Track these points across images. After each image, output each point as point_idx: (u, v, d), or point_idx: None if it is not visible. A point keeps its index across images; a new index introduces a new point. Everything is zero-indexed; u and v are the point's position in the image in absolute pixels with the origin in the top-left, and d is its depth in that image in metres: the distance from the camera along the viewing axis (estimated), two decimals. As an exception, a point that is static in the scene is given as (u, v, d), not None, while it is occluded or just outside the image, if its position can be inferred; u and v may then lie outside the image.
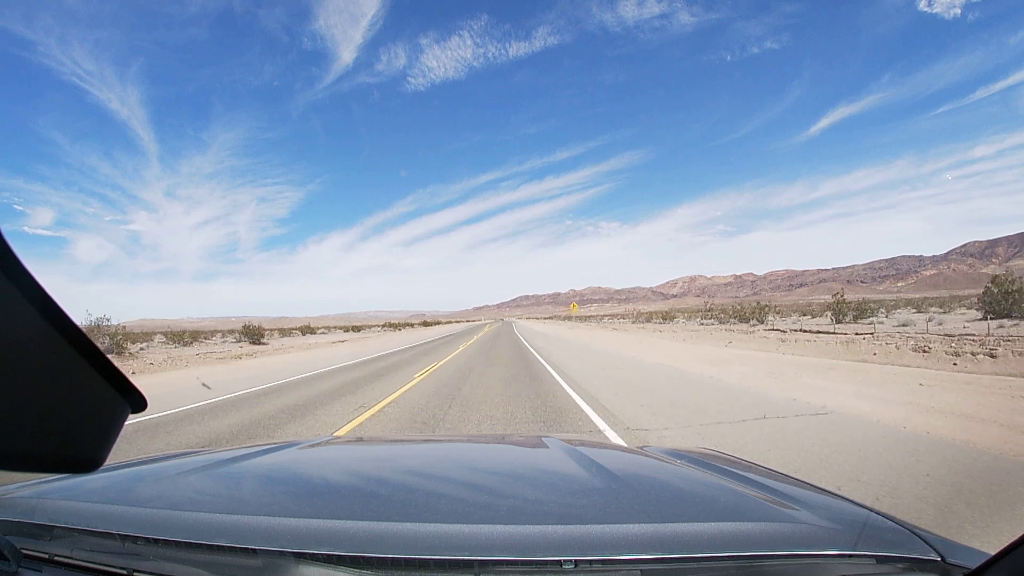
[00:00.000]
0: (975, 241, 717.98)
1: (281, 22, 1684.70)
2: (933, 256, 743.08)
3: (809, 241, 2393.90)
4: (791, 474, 1.39)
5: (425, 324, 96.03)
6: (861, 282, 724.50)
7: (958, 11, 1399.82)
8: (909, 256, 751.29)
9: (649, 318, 64.25)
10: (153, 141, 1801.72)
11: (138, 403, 0.54)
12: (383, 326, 74.34)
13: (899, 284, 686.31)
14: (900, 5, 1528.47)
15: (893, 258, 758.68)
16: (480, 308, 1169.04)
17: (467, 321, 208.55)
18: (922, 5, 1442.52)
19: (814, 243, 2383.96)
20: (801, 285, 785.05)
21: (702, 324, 37.56)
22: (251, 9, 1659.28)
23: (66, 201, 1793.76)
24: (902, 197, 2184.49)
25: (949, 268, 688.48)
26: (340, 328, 66.71)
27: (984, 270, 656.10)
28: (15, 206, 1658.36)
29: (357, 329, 61.98)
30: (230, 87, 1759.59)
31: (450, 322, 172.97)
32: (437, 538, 0.83)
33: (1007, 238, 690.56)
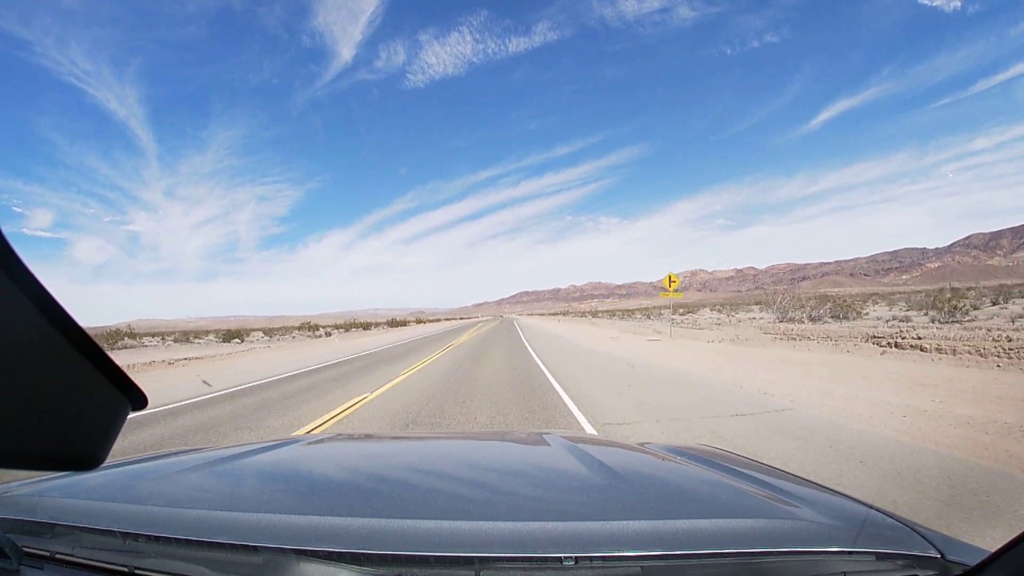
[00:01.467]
0: (978, 233, 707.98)
1: (280, 19, 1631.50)
2: (936, 248, 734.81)
3: (809, 235, 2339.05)
4: (790, 471, 1.39)
5: (392, 324, 68.23)
6: (864, 275, 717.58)
7: (958, 3, 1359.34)
8: (912, 248, 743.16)
9: (828, 305, 26.21)
10: (152, 141, 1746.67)
11: (138, 401, 0.54)
12: (300, 328, 50.81)
13: (904, 277, 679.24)
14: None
15: (896, 251, 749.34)
16: (479, 305, 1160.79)
17: (460, 319, 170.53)
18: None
19: (814, 237, 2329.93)
20: (804, 278, 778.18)
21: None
22: (250, 7, 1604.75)
23: (65, 202, 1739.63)
24: (902, 190, 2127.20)
25: (954, 260, 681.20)
26: (261, 331, 47.38)
27: (989, 262, 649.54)
28: (14, 208, 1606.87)
29: (236, 336, 43.28)
30: (229, 85, 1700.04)
31: (438, 320, 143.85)
32: (437, 535, 0.83)
33: (1011, 230, 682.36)
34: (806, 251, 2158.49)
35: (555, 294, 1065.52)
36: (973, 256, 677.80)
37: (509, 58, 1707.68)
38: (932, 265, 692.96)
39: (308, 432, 5.96)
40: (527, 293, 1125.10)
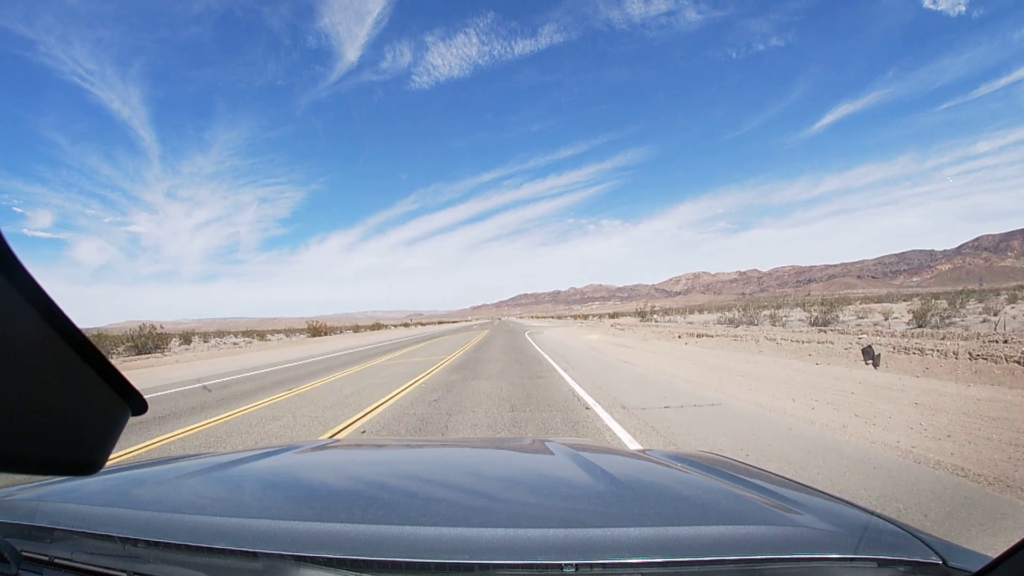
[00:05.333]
0: (988, 235, 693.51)
1: (286, 20, 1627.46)
2: (944, 250, 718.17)
3: (811, 238, 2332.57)
4: (793, 478, 1.40)
5: (313, 332, 43.74)
6: (872, 277, 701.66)
7: (963, 8, 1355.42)
8: (920, 251, 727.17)
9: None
10: (154, 141, 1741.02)
11: (139, 405, 0.53)
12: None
13: (914, 279, 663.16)
14: (905, 1, 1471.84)
15: (903, 253, 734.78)
16: (478, 307, 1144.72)
17: (439, 323, 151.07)
18: (927, 2, 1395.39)
19: (816, 239, 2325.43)
20: (809, 280, 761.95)
21: None
22: (255, 7, 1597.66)
23: (66, 203, 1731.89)
24: (904, 193, 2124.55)
25: (964, 262, 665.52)
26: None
27: (1002, 263, 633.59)
28: (14, 208, 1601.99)
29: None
30: (233, 86, 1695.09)
31: (409, 325, 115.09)
32: (437, 541, 0.82)
33: (1021, 231, 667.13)
34: (809, 253, 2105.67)
35: (555, 296, 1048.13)
36: (984, 258, 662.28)
37: (515, 60, 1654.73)
38: (944, 267, 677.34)
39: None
40: (526, 295, 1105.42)
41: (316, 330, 43.37)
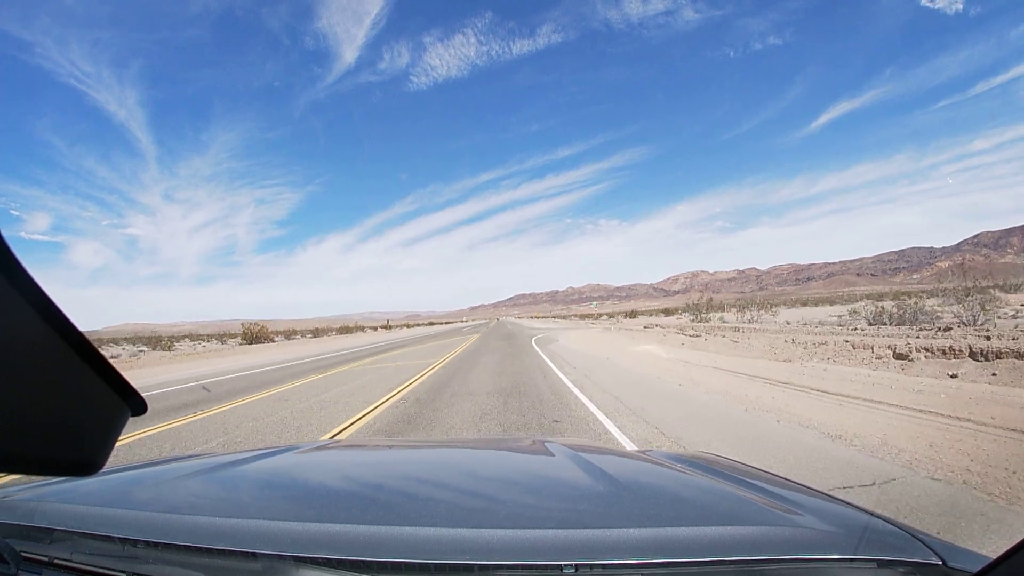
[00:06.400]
0: (987, 232, 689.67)
1: (283, 21, 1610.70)
2: (944, 247, 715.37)
3: (808, 236, 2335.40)
4: (792, 479, 1.40)
5: (249, 339, 35.08)
6: (872, 275, 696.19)
7: (960, 6, 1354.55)
8: (919, 248, 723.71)
9: None
10: (151, 143, 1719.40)
11: (138, 406, 0.53)
12: None
13: (914, 276, 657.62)
14: (903, 0, 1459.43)
15: (902, 250, 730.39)
16: (476, 308, 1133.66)
17: (429, 324, 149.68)
18: (924, 0, 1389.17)
19: (813, 238, 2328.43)
20: (809, 279, 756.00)
21: None
22: (253, 8, 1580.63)
23: (63, 205, 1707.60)
24: (901, 191, 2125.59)
25: (964, 259, 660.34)
26: None
27: (1002, 260, 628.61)
28: (11, 211, 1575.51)
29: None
30: (230, 88, 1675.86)
31: (381, 327, 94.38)
32: (437, 542, 0.82)
33: (1020, 228, 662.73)
34: (806, 252, 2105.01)
35: (553, 296, 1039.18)
36: (984, 255, 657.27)
37: (513, 60, 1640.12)
38: (943, 264, 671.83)
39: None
40: (524, 296, 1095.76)
41: (253, 336, 33.72)
